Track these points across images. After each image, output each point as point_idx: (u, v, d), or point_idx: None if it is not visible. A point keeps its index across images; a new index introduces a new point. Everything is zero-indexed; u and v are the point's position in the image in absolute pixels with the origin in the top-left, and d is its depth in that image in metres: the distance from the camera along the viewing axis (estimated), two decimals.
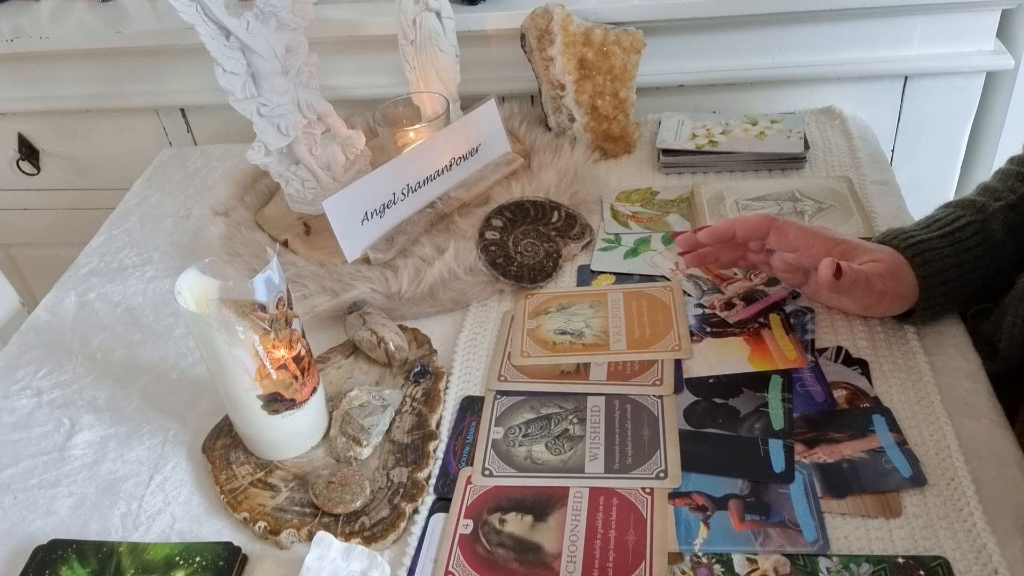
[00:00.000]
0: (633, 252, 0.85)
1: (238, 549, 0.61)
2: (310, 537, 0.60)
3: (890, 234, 0.71)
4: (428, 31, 0.95)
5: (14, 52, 1.20)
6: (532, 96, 1.13)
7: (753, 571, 0.54)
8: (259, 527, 0.62)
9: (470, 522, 0.60)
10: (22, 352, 0.84)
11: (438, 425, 0.69)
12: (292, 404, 0.65)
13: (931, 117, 1.12)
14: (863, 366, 0.68)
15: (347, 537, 0.60)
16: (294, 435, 0.67)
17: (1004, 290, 0.69)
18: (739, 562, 0.55)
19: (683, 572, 0.55)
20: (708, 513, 0.58)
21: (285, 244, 0.90)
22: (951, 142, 1.14)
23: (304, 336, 0.65)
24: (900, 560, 0.54)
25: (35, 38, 1.18)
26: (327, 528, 0.61)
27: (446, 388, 0.72)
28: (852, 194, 0.87)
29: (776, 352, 0.70)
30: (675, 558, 0.56)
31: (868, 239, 0.73)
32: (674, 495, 0.60)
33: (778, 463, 0.61)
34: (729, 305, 0.76)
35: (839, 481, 0.59)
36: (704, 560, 0.56)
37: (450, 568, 0.57)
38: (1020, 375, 0.68)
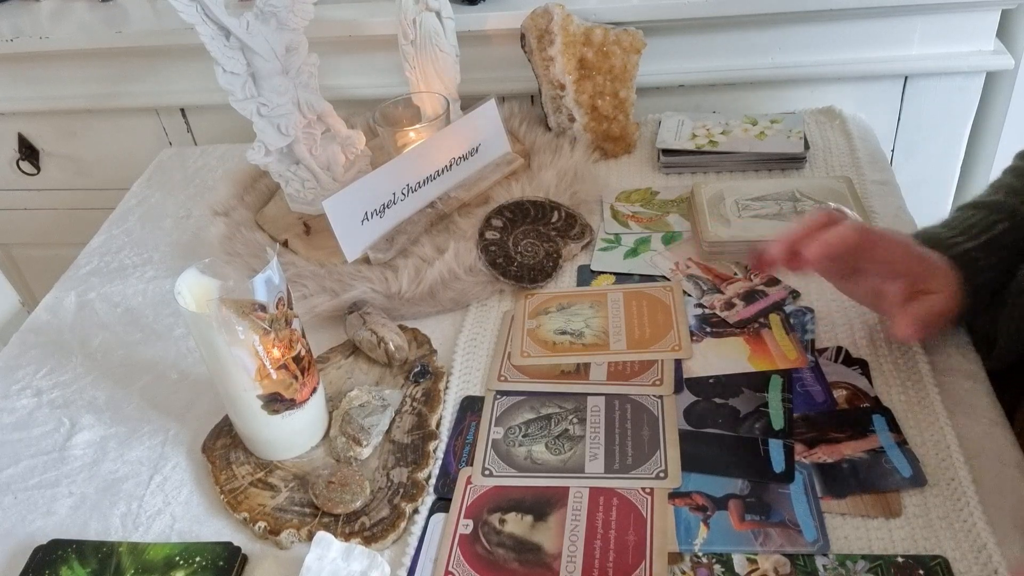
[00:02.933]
0: (633, 252, 0.85)
1: (238, 549, 0.61)
2: (310, 537, 0.60)
3: (928, 236, 0.67)
4: (428, 31, 0.95)
5: (14, 52, 1.20)
6: (532, 96, 1.13)
7: (753, 571, 0.54)
8: (259, 527, 0.62)
9: (470, 522, 0.60)
10: (22, 352, 0.84)
11: (438, 425, 0.69)
12: (292, 404, 0.65)
13: (931, 117, 1.12)
14: (863, 366, 0.68)
15: (347, 537, 0.60)
16: (294, 435, 0.67)
17: None
18: (739, 562, 0.55)
19: (683, 572, 0.55)
20: (708, 513, 0.58)
21: (285, 244, 0.90)
22: (951, 142, 1.14)
23: (304, 336, 0.65)
24: (900, 559, 0.54)
25: (35, 38, 1.18)
26: (327, 528, 0.61)
27: (446, 388, 0.72)
28: (852, 194, 0.87)
29: (776, 352, 0.70)
30: (675, 558, 0.56)
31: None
32: (674, 495, 0.60)
33: (778, 463, 0.61)
34: (729, 305, 0.76)
35: (839, 481, 0.59)
36: (704, 560, 0.56)
37: (450, 568, 0.57)
38: (1018, 374, 0.68)
